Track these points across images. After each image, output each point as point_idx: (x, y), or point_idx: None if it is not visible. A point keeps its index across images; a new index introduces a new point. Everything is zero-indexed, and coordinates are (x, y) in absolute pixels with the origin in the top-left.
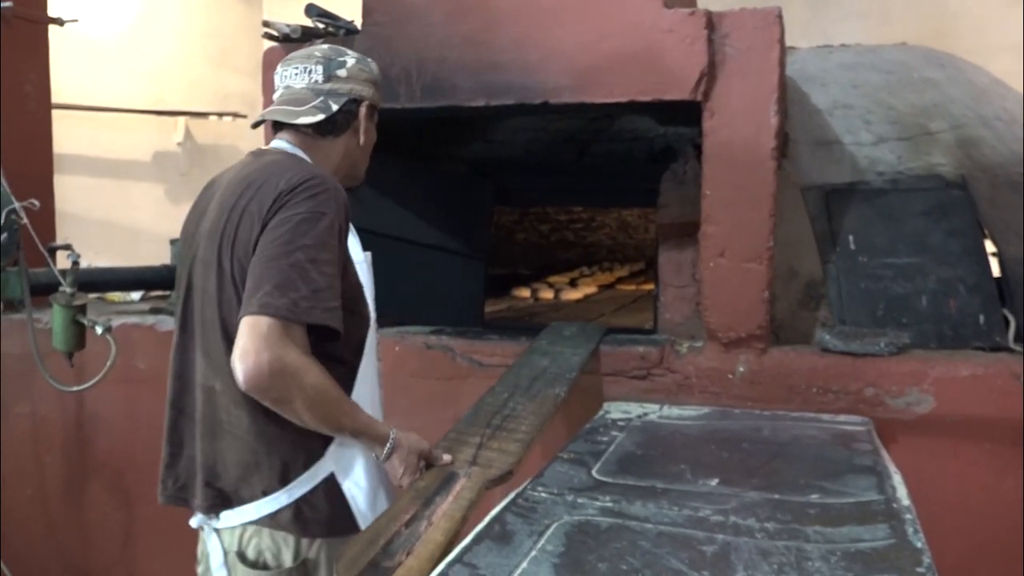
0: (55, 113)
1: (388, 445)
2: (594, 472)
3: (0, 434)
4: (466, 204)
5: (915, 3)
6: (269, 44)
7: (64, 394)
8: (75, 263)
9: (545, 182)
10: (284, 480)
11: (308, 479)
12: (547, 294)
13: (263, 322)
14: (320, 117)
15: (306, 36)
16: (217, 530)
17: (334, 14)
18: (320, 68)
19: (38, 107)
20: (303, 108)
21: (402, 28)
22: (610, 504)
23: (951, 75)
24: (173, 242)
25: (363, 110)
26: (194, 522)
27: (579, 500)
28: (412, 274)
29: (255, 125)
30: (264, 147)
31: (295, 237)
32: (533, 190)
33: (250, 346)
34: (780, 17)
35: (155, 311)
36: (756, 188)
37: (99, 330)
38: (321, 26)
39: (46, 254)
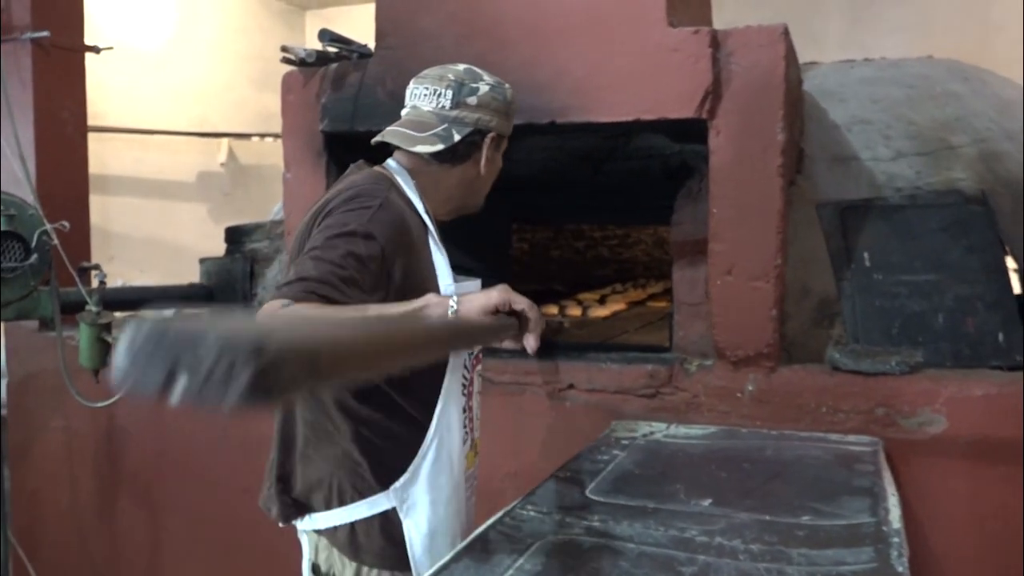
0: (102, 136)
1: (451, 307)
2: (587, 491)
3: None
4: (484, 223)
5: (957, 15)
6: (288, 68)
7: (95, 409)
8: (101, 283)
9: (562, 200)
10: (342, 500)
11: (367, 507)
12: (575, 311)
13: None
14: (439, 147)
15: (321, 60)
16: (306, 533)
17: (347, 38)
18: (450, 93)
19: (74, 132)
20: (423, 135)
21: (414, 51)
22: (596, 524)
23: (975, 88)
24: (202, 261)
25: (487, 141)
26: (283, 523)
27: (567, 519)
28: None
29: (373, 142)
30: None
31: (310, 245)
32: (551, 208)
33: None
34: (786, 34)
35: None
36: (763, 206)
37: None
38: (333, 50)
39: (75, 274)
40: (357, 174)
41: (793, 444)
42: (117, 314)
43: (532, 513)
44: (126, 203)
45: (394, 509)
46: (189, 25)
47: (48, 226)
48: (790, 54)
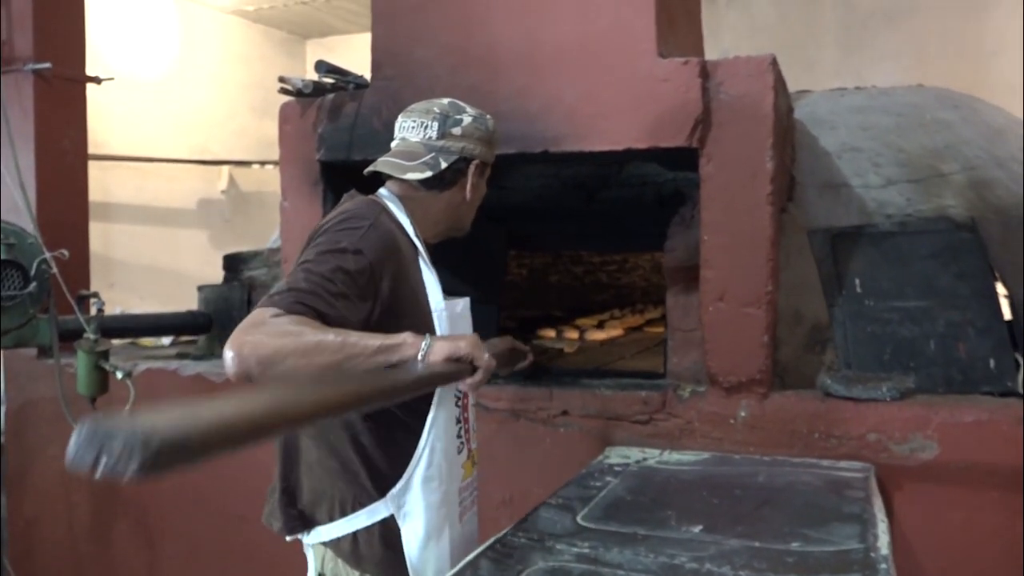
0: (104, 164)
1: (421, 352)
2: (579, 518)
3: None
4: (479, 250)
5: (951, 42)
6: (286, 98)
7: None
8: (100, 310)
9: (558, 227)
10: (343, 511)
11: (366, 516)
12: (572, 334)
13: (246, 318)
14: (428, 174)
15: (318, 91)
16: (312, 547)
17: (343, 69)
18: (436, 124)
19: (75, 161)
20: (412, 163)
21: (409, 81)
22: (587, 550)
23: (965, 116)
24: (201, 288)
25: (472, 168)
26: (288, 537)
27: (557, 546)
28: None
29: (366, 173)
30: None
31: (302, 259)
32: (546, 235)
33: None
34: (774, 64)
35: (181, 356)
36: (753, 232)
37: (119, 375)
38: (330, 81)
39: (73, 302)
40: (350, 202)
41: (785, 470)
42: (115, 341)
43: (523, 540)
44: (127, 230)
45: (392, 516)
46: (190, 54)
47: (47, 254)
48: (778, 83)
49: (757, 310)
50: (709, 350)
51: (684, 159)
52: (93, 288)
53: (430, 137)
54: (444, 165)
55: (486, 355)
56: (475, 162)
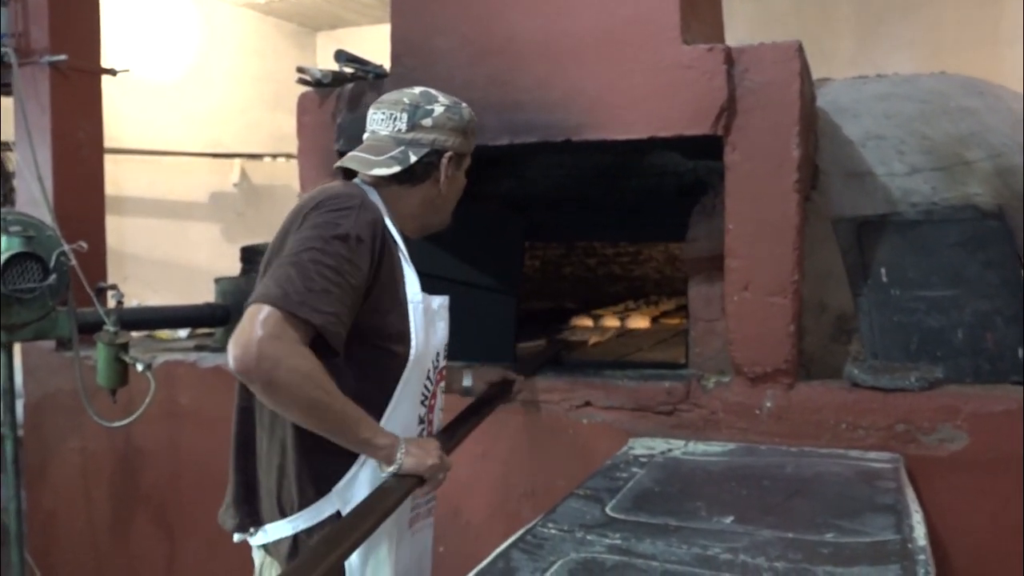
0: (117, 157)
1: (395, 466)
2: (608, 509)
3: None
4: (498, 240)
5: (966, 31)
6: (304, 89)
7: (112, 429)
8: (119, 303)
9: (577, 217)
10: (283, 511)
11: (309, 516)
12: (612, 322)
13: (254, 309)
14: (396, 169)
15: (337, 81)
16: (257, 549)
17: (363, 59)
18: (405, 116)
19: (91, 153)
20: (380, 158)
21: (428, 71)
22: (619, 541)
23: (990, 103)
24: (218, 281)
25: (445, 161)
26: (236, 537)
27: (588, 537)
28: None
29: (335, 168)
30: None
31: (305, 240)
32: (565, 226)
33: (242, 329)
34: (800, 51)
35: (199, 348)
36: (779, 221)
37: (139, 367)
38: (349, 71)
39: (92, 294)
40: (331, 183)
41: (813, 461)
42: (134, 334)
43: (553, 531)
44: (140, 224)
45: (337, 514)
46: (202, 48)
47: (66, 247)
48: (804, 70)
49: (783, 299)
50: (734, 340)
51: (707, 147)
52: (108, 282)
53: (399, 130)
54: (414, 159)
55: (441, 475)
56: (448, 154)
